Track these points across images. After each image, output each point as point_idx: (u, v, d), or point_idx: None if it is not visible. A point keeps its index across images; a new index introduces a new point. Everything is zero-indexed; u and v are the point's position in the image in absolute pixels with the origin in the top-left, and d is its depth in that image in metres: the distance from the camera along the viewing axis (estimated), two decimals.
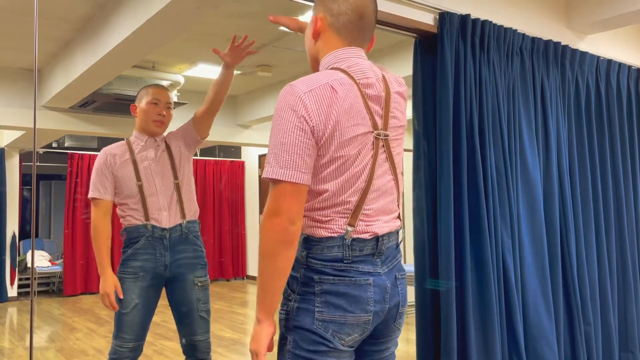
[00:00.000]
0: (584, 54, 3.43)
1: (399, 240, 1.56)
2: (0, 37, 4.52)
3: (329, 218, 1.41)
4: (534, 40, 3.13)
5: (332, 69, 1.48)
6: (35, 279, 7.97)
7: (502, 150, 2.86)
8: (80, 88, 4.78)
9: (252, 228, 9.31)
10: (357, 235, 1.42)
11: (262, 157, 9.01)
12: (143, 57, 3.96)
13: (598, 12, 3.36)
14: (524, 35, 3.07)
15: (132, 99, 5.31)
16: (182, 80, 5.60)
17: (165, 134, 2.62)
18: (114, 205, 2.55)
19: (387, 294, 1.45)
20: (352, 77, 1.43)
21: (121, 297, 2.41)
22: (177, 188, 2.52)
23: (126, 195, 2.47)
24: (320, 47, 1.55)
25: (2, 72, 5.48)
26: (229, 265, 9.16)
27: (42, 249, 8.48)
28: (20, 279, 7.69)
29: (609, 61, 3.63)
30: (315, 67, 1.63)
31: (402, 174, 1.60)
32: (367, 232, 1.43)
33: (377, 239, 1.44)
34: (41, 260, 8.03)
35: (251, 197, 9.42)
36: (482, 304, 2.66)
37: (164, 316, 5.79)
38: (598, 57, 3.56)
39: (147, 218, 2.46)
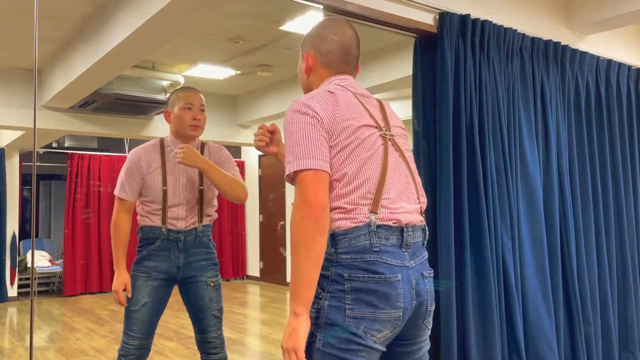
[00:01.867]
0: (583, 54, 3.43)
1: (425, 240, 1.60)
2: (0, 37, 4.52)
3: (353, 206, 1.47)
4: (534, 40, 3.13)
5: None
6: (35, 279, 7.97)
7: (502, 150, 2.85)
8: (80, 88, 4.77)
9: (252, 228, 9.31)
10: (382, 222, 1.47)
11: (262, 157, 9.01)
12: (143, 57, 3.96)
13: (598, 12, 3.36)
14: (524, 35, 3.07)
15: (132, 99, 5.31)
16: (182, 80, 5.59)
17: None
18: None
19: (414, 289, 1.48)
20: (346, 88, 1.62)
21: (129, 295, 2.47)
22: (201, 194, 2.56)
23: (151, 199, 2.52)
24: (312, 80, 1.70)
25: (2, 72, 5.48)
26: (229, 265, 9.16)
27: (42, 249, 8.48)
28: (20, 279, 7.69)
29: (609, 61, 3.63)
30: None
31: (418, 174, 1.68)
32: (391, 220, 1.48)
33: (401, 229, 1.49)
34: (41, 260, 8.03)
35: (251, 197, 9.42)
36: (482, 304, 2.66)
37: (164, 316, 5.80)
38: (598, 57, 3.56)
39: (164, 222, 2.51)
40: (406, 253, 1.50)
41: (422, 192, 1.64)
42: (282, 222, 8.48)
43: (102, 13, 3.90)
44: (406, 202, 1.54)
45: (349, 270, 1.44)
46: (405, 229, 1.50)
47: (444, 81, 2.68)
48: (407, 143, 1.67)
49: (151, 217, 2.52)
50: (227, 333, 5.36)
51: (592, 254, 3.29)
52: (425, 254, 1.60)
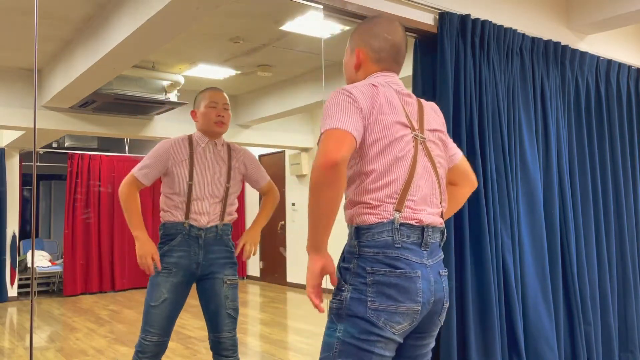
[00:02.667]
0: (583, 54, 3.43)
1: (442, 241, 1.65)
2: (0, 37, 4.52)
3: (378, 203, 1.52)
4: (534, 40, 3.13)
5: None
6: (35, 279, 7.97)
7: (502, 150, 2.85)
8: (80, 88, 4.77)
9: None
10: (405, 221, 1.52)
11: (262, 157, 9.02)
12: (143, 57, 3.96)
13: (598, 12, 3.36)
14: (524, 35, 3.07)
15: (132, 99, 5.31)
16: (182, 80, 5.59)
17: (227, 139, 2.75)
18: (158, 195, 2.66)
19: (432, 286, 1.54)
20: (389, 84, 1.65)
21: (159, 267, 2.48)
22: (226, 192, 2.63)
23: (175, 192, 2.56)
24: (360, 76, 1.74)
25: (2, 72, 5.48)
26: None
27: (42, 249, 8.48)
28: (20, 279, 7.68)
29: (609, 61, 3.63)
30: None
31: (445, 180, 1.71)
32: (414, 219, 1.54)
33: (422, 229, 1.55)
34: (41, 260, 8.03)
35: (251, 197, 9.42)
36: (482, 304, 2.66)
37: None
38: (598, 57, 3.56)
39: (186, 217, 2.55)
40: (425, 252, 1.55)
41: (445, 197, 1.68)
42: (282, 222, 8.48)
43: (102, 13, 3.90)
44: (428, 206, 1.59)
45: (372, 263, 1.49)
46: (425, 229, 1.55)
47: (444, 81, 2.68)
48: (440, 148, 1.69)
49: (174, 211, 2.56)
50: None
51: (592, 254, 3.29)
52: (441, 255, 1.65)
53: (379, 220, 1.51)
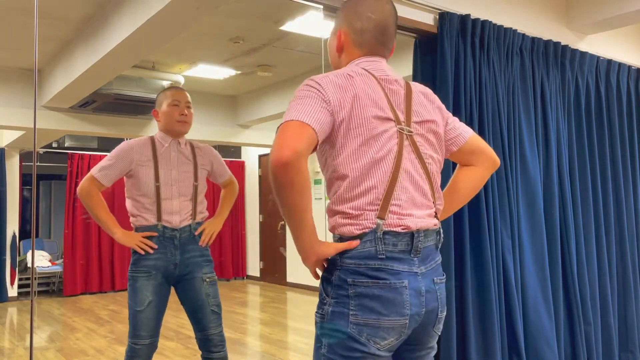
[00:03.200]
0: (583, 54, 3.43)
1: (439, 243, 1.51)
2: (0, 37, 4.52)
3: (359, 212, 1.39)
4: (534, 40, 3.13)
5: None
6: (35, 279, 7.97)
7: (502, 150, 2.85)
8: (80, 88, 4.77)
9: (252, 228, 9.31)
10: (389, 229, 1.38)
11: (262, 157, 9.01)
12: (143, 57, 3.96)
13: (598, 12, 3.36)
14: (524, 35, 3.07)
15: (132, 99, 5.31)
16: (182, 80, 5.60)
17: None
18: (123, 199, 2.63)
19: (423, 296, 1.40)
20: (370, 73, 1.48)
21: (149, 249, 2.49)
22: (195, 190, 2.63)
23: (143, 193, 2.53)
24: (343, 59, 1.59)
25: (2, 72, 5.48)
26: (229, 265, 9.16)
27: (42, 249, 8.47)
28: (20, 279, 7.68)
29: (609, 61, 3.63)
30: None
31: (439, 174, 1.55)
32: (400, 226, 1.39)
33: (412, 235, 1.40)
34: (41, 260, 8.03)
35: (251, 197, 9.42)
36: (482, 304, 2.66)
37: (164, 316, 5.78)
38: (598, 57, 3.56)
39: (159, 219, 2.54)
40: (415, 259, 1.41)
41: (439, 194, 1.53)
42: (282, 222, 8.48)
43: (102, 13, 3.90)
44: (416, 209, 1.44)
45: (353, 275, 1.37)
46: (416, 235, 1.41)
47: (444, 81, 2.68)
48: (431, 141, 1.52)
49: (145, 214, 2.53)
50: (227, 333, 5.36)
51: (592, 254, 3.29)
52: (439, 258, 1.50)
53: (361, 231, 1.38)
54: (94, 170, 2.52)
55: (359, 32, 1.53)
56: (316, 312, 1.44)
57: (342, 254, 1.40)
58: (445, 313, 1.51)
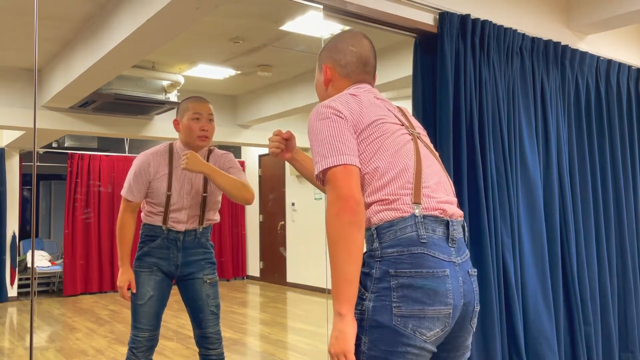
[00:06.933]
0: (584, 54, 3.43)
1: (465, 237, 1.54)
2: (0, 37, 4.52)
3: (395, 197, 1.42)
4: (534, 40, 3.13)
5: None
6: (35, 279, 7.97)
7: (502, 150, 2.85)
8: (80, 88, 4.77)
9: (252, 228, 9.31)
10: (428, 213, 1.42)
11: (262, 157, 9.01)
12: (143, 57, 3.96)
13: (598, 12, 3.36)
14: (524, 35, 3.07)
15: (132, 99, 5.31)
16: (182, 80, 5.59)
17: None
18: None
19: (462, 287, 1.42)
20: (367, 92, 1.61)
21: (134, 291, 2.59)
22: (204, 201, 2.66)
23: (154, 200, 2.63)
24: (331, 92, 1.69)
25: (2, 72, 5.48)
26: (229, 265, 9.16)
27: (42, 249, 8.48)
28: (20, 279, 7.68)
29: (609, 61, 3.63)
30: None
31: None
32: (437, 209, 1.43)
33: (447, 223, 1.44)
34: (41, 260, 8.03)
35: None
36: (482, 304, 2.66)
37: (164, 316, 5.79)
38: (598, 57, 3.55)
39: (165, 222, 2.62)
40: (452, 248, 1.43)
41: (454, 190, 1.60)
42: (282, 222, 8.48)
43: (102, 13, 3.90)
44: (445, 194, 1.50)
45: (395, 265, 1.37)
46: (450, 222, 1.44)
47: (444, 81, 2.68)
48: (430, 145, 1.64)
49: (154, 216, 2.64)
50: (227, 333, 5.36)
51: (592, 254, 3.29)
52: (468, 252, 1.53)
53: (400, 216, 1.40)
54: (123, 192, 2.65)
55: (344, 66, 1.66)
56: (355, 308, 1.39)
57: (383, 244, 1.40)
58: (479, 308, 1.52)
